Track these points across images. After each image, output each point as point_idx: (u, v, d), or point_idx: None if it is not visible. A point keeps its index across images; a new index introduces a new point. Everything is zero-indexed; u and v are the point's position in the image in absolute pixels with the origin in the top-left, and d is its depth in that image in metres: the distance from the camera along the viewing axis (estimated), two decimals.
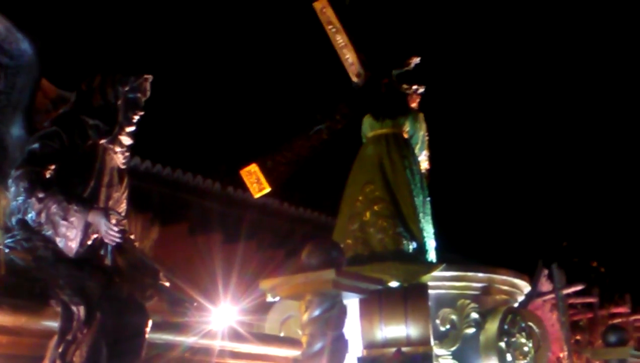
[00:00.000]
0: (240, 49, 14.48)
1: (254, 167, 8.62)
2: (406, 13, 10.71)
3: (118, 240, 5.02)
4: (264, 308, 7.85)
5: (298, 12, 10.89)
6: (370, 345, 8.33)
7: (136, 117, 5.47)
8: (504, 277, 9.10)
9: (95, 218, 5.01)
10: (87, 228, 5.06)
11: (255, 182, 8.66)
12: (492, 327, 8.64)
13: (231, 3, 14.63)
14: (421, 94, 10.33)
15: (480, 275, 8.88)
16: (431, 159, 10.39)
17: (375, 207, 9.48)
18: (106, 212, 5.04)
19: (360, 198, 9.62)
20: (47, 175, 5.08)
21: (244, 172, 8.66)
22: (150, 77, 5.49)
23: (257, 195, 8.83)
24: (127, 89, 5.43)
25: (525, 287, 9.51)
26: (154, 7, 13.84)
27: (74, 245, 5.06)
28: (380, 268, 8.55)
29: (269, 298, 8.04)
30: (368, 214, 9.48)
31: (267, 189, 8.73)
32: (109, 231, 4.97)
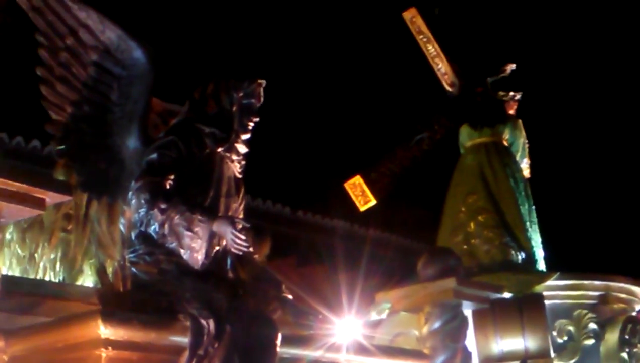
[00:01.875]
0: (333, 67, 14.35)
1: (358, 179, 8.44)
2: (498, 18, 10.46)
3: (244, 249, 4.82)
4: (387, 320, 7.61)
5: (390, 22, 10.68)
6: (487, 359, 8.00)
7: (251, 124, 5.28)
8: (622, 285, 8.71)
9: (220, 227, 4.81)
10: (212, 239, 4.89)
11: (360, 194, 8.47)
12: (612, 337, 8.32)
13: (323, 18, 14.52)
14: (518, 101, 10.06)
15: (597, 283, 8.53)
16: (532, 166, 10.09)
17: (480, 218, 9.22)
18: (232, 221, 4.84)
19: (462, 209, 9.37)
20: (168, 186, 4.91)
21: (349, 185, 8.47)
22: (263, 82, 5.30)
23: (362, 208, 8.62)
24: (241, 94, 5.25)
25: None
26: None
27: (199, 256, 4.88)
28: (491, 280, 8.27)
29: (374, 316, 7.82)
30: (472, 225, 9.23)
31: (373, 202, 8.52)
32: (236, 240, 4.76)
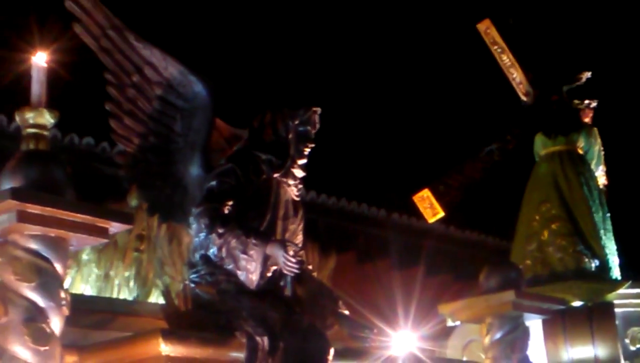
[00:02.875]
0: (407, 74, 14.53)
1: (426, 192, 8.64)
2: (573, 26, 10.49)
3: (296, 270, 5.15)
4: (443, 334, 7.81)
5: (465, 34, 10.83)
6: None
7: (307, 150, 5.59)
8: None
9: (273, 250, 5.15)
10: (266, 261, 5.22)
11: (429, 207, 8.67)
12: None
13: (400, 27, 14.75)
14: (594, 109, 10.10)
15: None
16: (608, 173, 10.13)
17: (553, 226, 9.31)
18: (283, 244, 5.18)
19: (536, 217, 9.46)
20: (226, 211, 5.26)
21: (417, 198, 8.68)
22: (318, 110, 5.60)
23: (431, 220, 8.84)
24: (297, 122, 5.56)
25: None
26: (309, 41, 14.12)
27: (254, 277, 5.21)
28: (562, 288, 8.45)
29: (450, 323, 8.01)
30: (546, 233, 9.32)
31: (441, 214, 8.72)
32: (287, 262, 5.10)
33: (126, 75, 5.39)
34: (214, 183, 5.33)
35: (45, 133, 6.02)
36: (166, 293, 5.09)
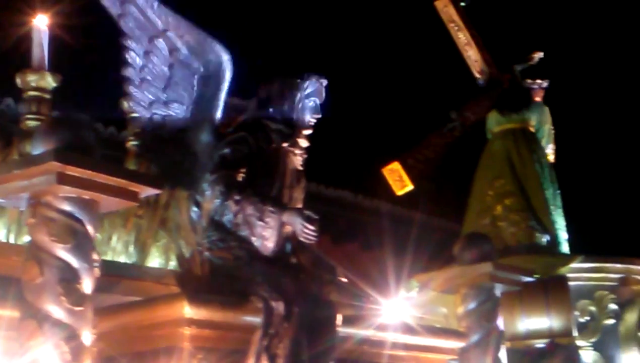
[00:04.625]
0: (364, 56, 14.70)
1: (396, 165, 8.81)
2: (526, 8, 10.79)
3: (313, 239, 5.28)
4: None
5: (423, 11, 11.01)
6: (513, 337, 8.44)
7: (313, 121, 5.72)
8: None
9: (290, 218, 5.27)
10: (282, 228, 5.33)
11: (398, 179, 8.84)
12: (631, 317, 8.76)
13: (355, 7, 14.86)
14: (545, 88, 10.43)
15: (618, 266, 8.95)
16: (557, 152, 10.48)
17: (506, 201, 9.62)
18: (301, 212, 5.31)
19: (490, 193, 9.76)
20: (240, 179, 5.36)
21: (386, 170, 8.84)
22: (325, 81, 5.72)
23: (399, 193, 9.02)
24: (305, 93, 5.67)
25: None
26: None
27: (269, 244, 5.31)
28: (516, 261, 8.59)
29: (406, 293, 8.24)
30: (499, 208, 9.62)
31: (410, 187, 8.90)
32: (306, 230, 5.23)
33: (144, 41, 5.40)
34: (227, 151, 5.41)
35: (47, 96, 6.05)
36: (181, 258, 5.15)
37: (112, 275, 5.23)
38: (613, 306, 8.80)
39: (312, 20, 14.78)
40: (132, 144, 6.37)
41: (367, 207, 13.12)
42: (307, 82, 5.66)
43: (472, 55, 10.35)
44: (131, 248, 5.79)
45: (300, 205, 5.73)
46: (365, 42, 14.83)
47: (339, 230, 12.13)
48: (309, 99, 5.67)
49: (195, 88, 5.51)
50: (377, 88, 14.80)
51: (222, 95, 5.47)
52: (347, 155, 13.63)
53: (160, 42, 5.41)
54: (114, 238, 5.70)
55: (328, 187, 12.70)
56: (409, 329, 6.10)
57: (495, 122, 10.17)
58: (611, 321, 8.77)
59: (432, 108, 11.72)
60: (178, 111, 5.50)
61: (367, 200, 13.40)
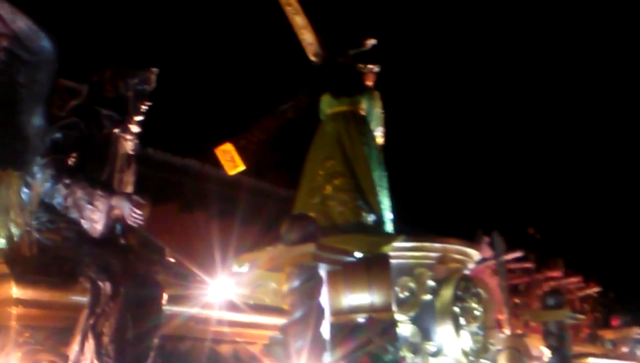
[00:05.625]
0: (204, 34, 14.83)
1: (228, 146, 9.03)
2: None
3: (140, 221, 5.51)
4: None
5: None
6: (337, 312, 8.79)
7: (144, 107, 5.93)
8: (457, 247, 9.62)
9: (119, 202, 5.48)
10: (111, 211, 5.53)
11: (230, 160, 9.07)
12: (446, 293, 9.16)
13: None
14: (376, 73, 10.84)
15: (437, 245, 9.37)
16: (386, 135, 10.91)
17: (336, 181, 9.94)
18: (129, 197, 5.52)
19: (320, 173, 10.06)
20: (71, 163, 5.53)
21: (219, 151, 9.07)
22: (156, 70, 5.94)
23: (231, 173, 9.25)
24: (135, 81, 5.88)
25: (476, 256, 10.03)
26: None
27: (98, 226, 5.51)
28: (343, 239, 8.86)
29: (236, 269, 8.50)
30: (329, 188, 9.94)
31: (241, 167, 9.14)
32: (133, 214, 5.45)
33: None
34: (59, 135, 5.57)
35: None
36: (10, 239, 5.28)
37: None
38: (431, 282, 9.18)
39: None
40: None
41: (213, 176, 13.14)
42: (138, 70, 5.87)
43: (307, 38, 10.62)
44: None
45: (130, 189, 5.94)
46: (208, 26, 14.97)
47: (186, 199, 12.21)
48: (141, 86, 5.87)
49: (26, 72, 5.61)
50: (219, 67, 14.99)
51: (54, 81, 5.59)
52: (196, 126, 13.71)
53: None
54: None
55: (175, 156, 12.71)
56: (233, 307, 6.40)
57: (327, 105, 10.49)
58: (428, 297, 9.14)
59: (269, 89, 11.99)
60: (9, 95, 5.59)
61: (214, 169, 13.45)
